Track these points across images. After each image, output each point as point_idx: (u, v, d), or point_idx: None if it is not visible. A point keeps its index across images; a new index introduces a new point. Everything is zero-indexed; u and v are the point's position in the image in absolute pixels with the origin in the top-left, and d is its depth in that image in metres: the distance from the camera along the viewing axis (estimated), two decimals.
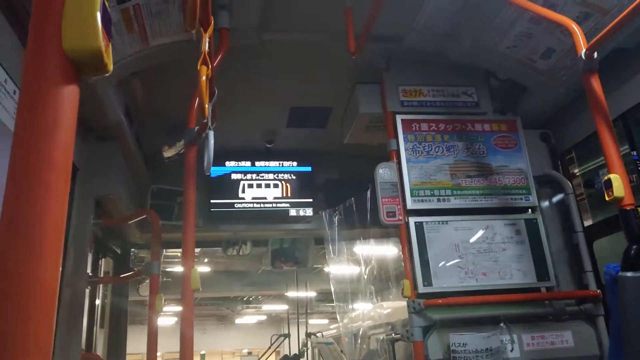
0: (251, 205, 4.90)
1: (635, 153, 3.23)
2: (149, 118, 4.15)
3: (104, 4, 0.81)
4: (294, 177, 5.05)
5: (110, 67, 0.78)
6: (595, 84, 2.22)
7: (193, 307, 2.55)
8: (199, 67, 2.19)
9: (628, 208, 2.03)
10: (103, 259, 4.39)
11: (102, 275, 4.31)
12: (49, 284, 0.71)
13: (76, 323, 3.22)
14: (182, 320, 2.53)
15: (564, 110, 3.73)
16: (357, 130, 4.00)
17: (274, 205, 4.95)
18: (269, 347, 6.51)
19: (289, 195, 4.99)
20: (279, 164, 5.08)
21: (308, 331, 6.49)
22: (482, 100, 3.73)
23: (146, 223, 4.22)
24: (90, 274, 3.64)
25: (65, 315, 3.09)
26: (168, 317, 16.87)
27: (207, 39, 2.17)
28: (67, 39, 0.73)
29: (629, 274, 1.95)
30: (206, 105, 2.22)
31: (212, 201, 4.84)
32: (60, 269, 0.77)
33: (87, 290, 3.63)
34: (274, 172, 5.04)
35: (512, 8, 3.00)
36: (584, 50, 2.20)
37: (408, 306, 3.08)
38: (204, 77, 2.18)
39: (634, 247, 1.98)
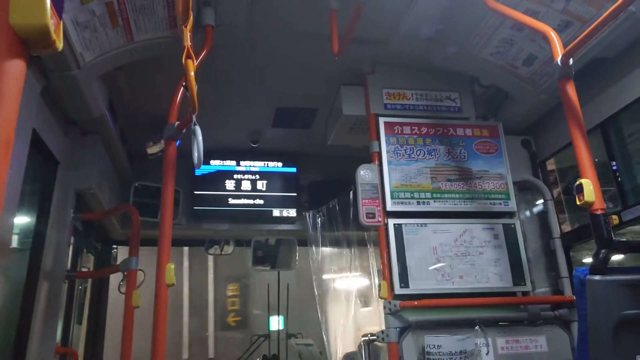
0: (235, 204, 4.90)
1: (614, 163, 3.28)
2: (134, 114, 4.15)
3: None
4: (279, 178, 5.06)
5: (60, 45, 0.79)
6: (571, 90, 2.26)
7: (167, 303, 2.54)
8: (184, 62, 2.19)
9: (598, 213, 2.06)
10: (83, 255, 4.36)
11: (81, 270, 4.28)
12: None
13: (52, 317, 3.20)
14: (155, 316, 2.51)
15: (545, 117, 3.78)
16: (341, 132, 4.03)
17: (258, 205, 4.95)
18: (249, 348, 6.51)
19: (273, 195, 5.00)
20: (264, 164, 5.08)
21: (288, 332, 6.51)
22: (465, 106, 3.77)
23: (128, 220, 4.21)
24: (69, 269, 3.61)
25: (42, 309, 3.07)
26: None
27: (189, 34, 2.18)
28: (14, 14, 0.73)
29: (597, 277, 1.98)
30: (195, 100, 2.22)
31: (195, 199, 4.83)
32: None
33: (65, 285, 3.61)
34: (258, 172, 5.05)
35: (495, 15, 3.04)
36: (560, 56, 2.24)
37: (384, 307, 3.09)
38: (192, 73, 2.18)
39: (603, 251, 2.01)
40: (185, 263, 8.80)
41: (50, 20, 0.74)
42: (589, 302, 1.99)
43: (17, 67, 0.75)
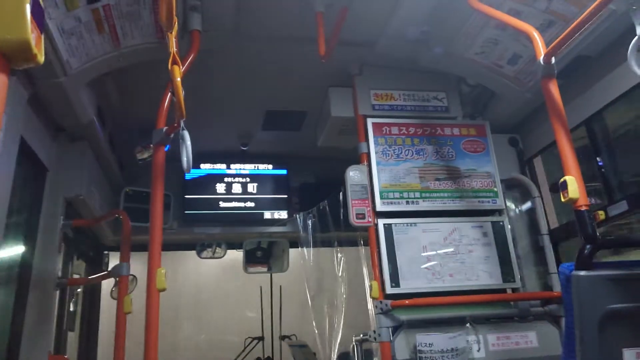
0: (226, 207, 4.91)
1: (599, 159, 3.33)
2: (123, 120, 4.14)
3: None
4: (270, 180, 5.08)
5: (41, 58, 0.80)
6: (554, 88, 2.29)
7: (158, 308, 2.54)
8: (170, 68, 2.20)
9: (582, 209, 2.09)
10: (74, 262, 4.35)
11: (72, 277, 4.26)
12: None
13: (44, 325, 3.19)
14: (147, 321, 2.51)
15: (531, 115, 3.82)
16: (331, 134, 4.05)
17: (249, 207, 4.96)
18: (243, 350, 6.50)
19: (264, 198, 5.01)
20: (255, 166, 5.10)
21: (282, 334, 6.52)
22: (452, 105, 3.80)
23: (119, 225, 4.20)
24: (60, 276, 3.60)
25: (33, 317, 3.06)
26: None
27: (174, 40, 2.19)
28: None
29: (582, 273, 2.00)
30: (182, 105, 2.23)
31: (186, 203, 4.83)
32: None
33: (57, 292, 3.60)
34: (249, 175, 5.06)
35: (480, 15, 3.07)
36: (542, 55, 2.27)
37: (375, 307, 3.11)
38: (178, 79, 2.19)
39: (588, 246, 2.04)
40: None
41: (31, 35, 0.75)
42: (574, 297, 2.02)
43: None
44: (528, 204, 3.74)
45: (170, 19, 2.09)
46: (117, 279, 3.50)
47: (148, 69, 3.31)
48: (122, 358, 3.24)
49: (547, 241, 3.53)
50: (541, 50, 2.31)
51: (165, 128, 2.63)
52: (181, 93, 2.20)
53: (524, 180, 3.72)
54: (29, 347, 2.97)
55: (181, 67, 2.24)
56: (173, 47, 2.21)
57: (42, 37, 0.80)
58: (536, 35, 2.38)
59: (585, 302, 1.99)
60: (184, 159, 2.34)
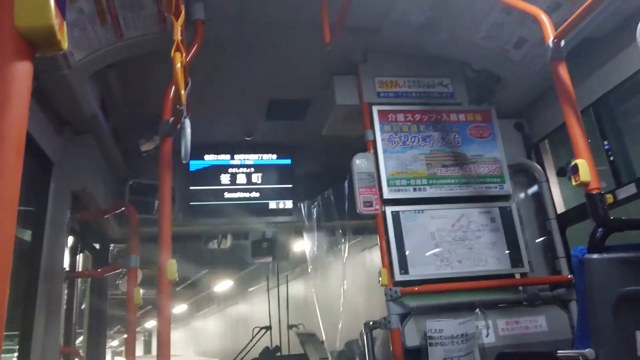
0: (231, 198, 4.90)
1: (606, 143, 3.31)
2: (126, 111, 4.13)
3: None
4: (274, 170, 5.06)
5: (65, 44, 0.79)
6: (563, 71, 2.27)
7: (170, 298, 2.55)
8: (172, 55, 2.19)
9: (594, 192, 2.08)
10: (81, 255, 4.36)
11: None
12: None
13: (54, 318, 3.20)
14: (158, 312, 2.53)
15: (537, 100, 3.79)
16: (335, 122, 4.03)
17: (254, 198, 4.96)
18: (251, 339, 6.54)
19: (269, 188, 5.00)
20: (259, 156, 5.08)
21: (289, 323, 6.55)
22: (457, 91, 3.78)
23: (125, 218, 4.21)
24: (67, 269, 3.61)
25: (43, 310, 3.08)
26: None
27: (180, 28, 2.17)
28: (19, 16, 0.74)
29: (595, 256, 2.00)
30: (182, 92, 2.21)
31: (191, 195, 4.83)
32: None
33: (65, 285, 3.61)
34: (253, 165, 5.05)
35: None
36: (551, 38, 2.25)
37: (385, 294, 3.11)
38: (178, 65, 2.18)
39: (600, 230, 2.03)
40: None
41: (55, 21, 0.75)
42: (587, 280, 2.02)
43: (24, 69, 0.75)
44: (535, 189, 3.73)
45: (170, 2, 2.07)
46: (126, 271, 3.50)
47: (151, 61, 3.29)
48: (134, 347, 3.26)
49: (554, 225, 3.52)
50: (549, 32, 2.29)
51: (171, 119, 2.62)
52: (181, 80, 2.18)
53: (531, 165, 3.71)
54: (41, 340, 2.98)
55: (184, 55, 2.23)
56: (178, 35, 2.20)
57: (65, 24, 0.79)
58: (544, 18, 2.36)
59: (598, 285, 1.99)
60: (183, 148, 2.34)
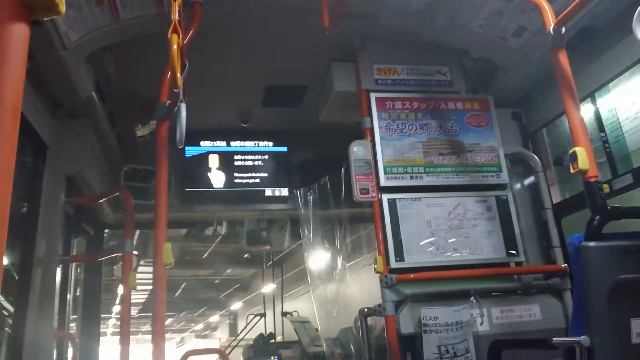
0: (226, 185, 4.88)
1: (603, 134, 3.31)
2: (122, 96, 4.09)
3: None
4: (270, 157, 5.04)
5: (63, 8, 0.77)
6: (563, 59, 2.27)
7: (166, 283, 2.54)
8: (169, 36, 2.16)
9: (592, 180, 2.09)
10: (75, 239, 4.33)
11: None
12: None
13: (48, 302, 3.19)
14: (155, 295, 2.51)
15: (535, 89, 3.79)
16: (332, 109, 4.01)
17: (250, 185, 4.93)
18: (245, 327, 6.56)
19: (265, 175, 4.98)
20: (255, 144, 5.05)
21: (283, 310, 6.57)
22: (455, 79, 3.77)
23: (119, 203, 4.18)
24: (61, 253, 3.59)
25: (37, 294, 3.06)
26: None
27: (177, 8, 2.14)
28: None
29: (592, 244, 2.00)
30: (178, 75, 2.19)
31: (187, 181, 4.80)
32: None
33: (59, 270, 3.59)
34: (249, 152, 5.02)
35: None
36: (552, 25, 2.24)
37: (381, 281, 3.12)
38: (175, 46, 2.15)
39: (597, 217, 2.04)
40: None
41: None
42: (584, 268, 2.02)
43: (21, 32, 0.73)
44: (531, 179, 3.73)
45: None
46: (121, 256, 3.49)
47: (148, 44, 3.25)
48: (128, 332, 3.25)
49: (550, 215, 3.52)
50: (550, 20, 2.28)
51: (168, 102, 2.59)
52: (178, 62, 2.15)
53: (527, 155, 3.71)
54: (35, 325, 2.97)
55: (181, 37, 2.20)
56: (175, 15, 2.16)
57: None
58: (545, 5, 2.34)
59: (594, 273, 1.99)
60: (178, 132, 2.31)
